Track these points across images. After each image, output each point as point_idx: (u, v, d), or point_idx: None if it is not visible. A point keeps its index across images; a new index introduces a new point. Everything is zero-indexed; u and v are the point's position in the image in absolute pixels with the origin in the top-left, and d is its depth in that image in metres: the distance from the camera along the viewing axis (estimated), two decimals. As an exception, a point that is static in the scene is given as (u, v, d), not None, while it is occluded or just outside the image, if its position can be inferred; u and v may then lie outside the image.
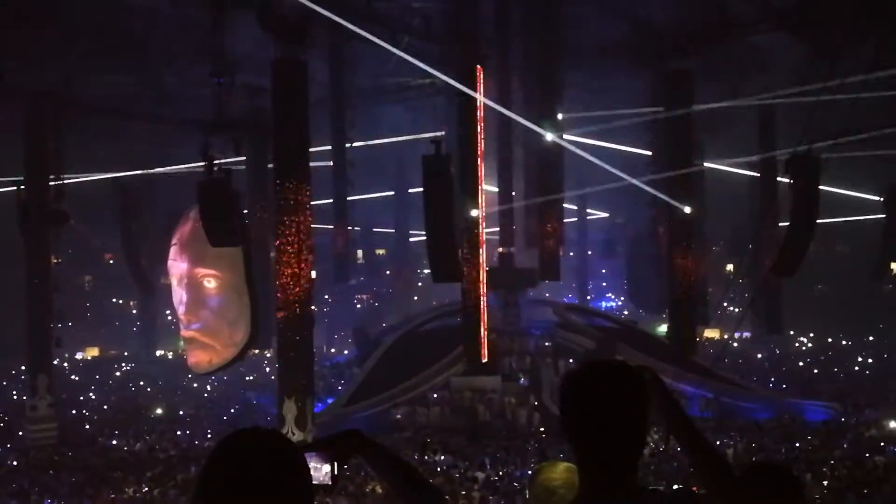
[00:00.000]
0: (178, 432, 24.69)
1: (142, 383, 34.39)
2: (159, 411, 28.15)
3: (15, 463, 21.34)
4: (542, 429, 23.84)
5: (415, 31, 22.89)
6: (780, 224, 26.40)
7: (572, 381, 2.07)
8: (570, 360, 27.03)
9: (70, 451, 22.69)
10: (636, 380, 2.08)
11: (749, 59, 26.35)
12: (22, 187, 24.80)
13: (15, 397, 29.89)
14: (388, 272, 48.85)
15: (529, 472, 3.25)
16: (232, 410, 28.56)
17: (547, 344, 29.67)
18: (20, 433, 24.61)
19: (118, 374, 38.22)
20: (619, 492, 2.01)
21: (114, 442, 23.51)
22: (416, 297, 47.28)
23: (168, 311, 36.09)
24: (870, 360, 34.56)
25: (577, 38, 25.11)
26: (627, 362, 2.21)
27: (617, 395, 2.02)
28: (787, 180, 23.92)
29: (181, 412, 28.09)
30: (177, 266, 23.05)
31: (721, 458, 2.29)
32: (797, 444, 20.50)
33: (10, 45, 22.07)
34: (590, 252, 49.29)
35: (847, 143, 25.04)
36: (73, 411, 28.10)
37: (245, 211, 21.83)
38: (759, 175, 30.29)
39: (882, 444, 20.59)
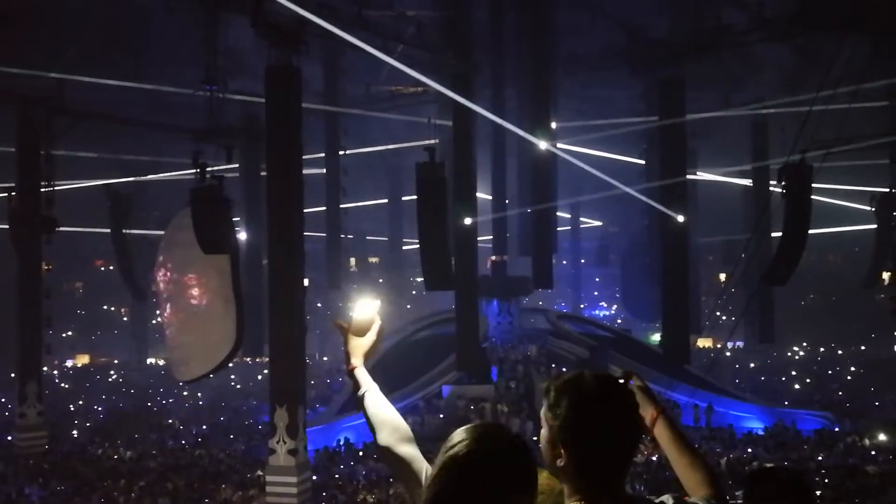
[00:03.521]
0: (169, 441, 24.54)
1: (132, 391, 34.19)
2: (150, 419, 27.96)
3: (3, 471, 21.13)
4: (535, 438, 23.78)
5: (408, 39, 22.89)
6: (773, 233, 26.44)
7: (559, 390, 2.03)
8: (564, 369, 26.99)
9: (59, 459, 22.50)
10: (622, 389, 2.08)
11: (741, 68, 26.46)
12: (13, 193, 24.69)
13: (4, 404, 29.67)
14: (380, 280, 48.76)
15: None
16: (222, 418, 28.43)
17: (540, 352, 29.61)
18: (9, 440, 24.38)
19: (109, 381, 37.98)
20: (605, 500, 1.99)
21: (103, 451, 23.32)
22: (408, 306, 47.17)
23: (159, 319, 35.94)
24: (862, 370, 34.63)
25: (571, 46, 25.19)
26: (613, 373, 2.22)
27: (604, 405, 2.00)
28: (779, 189, 23.98)
29: (172, 420, 27.92)
30: (164, 273, 22.97)
31: (707, 464, 2.28)
32: (790, 454, 20.49)
33: (1, 49, 21.96)
34: (583, 260, 49.34)
35: (839, 153, 25.10)
36: (63, 419, 27.88)
37: (237, 218, 21.76)
38: (751, 184, 30.36)
39: (874, 453, 20.64)
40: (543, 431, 2.05)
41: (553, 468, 2.05)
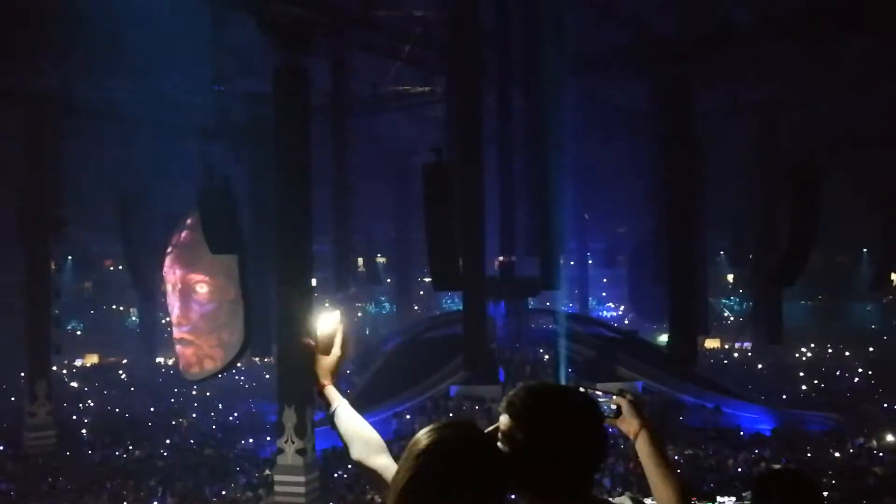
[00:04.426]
0: (178, 440, 24.60)
1: (141, 390, 34.29)
2: (159, 418, 28.05)
3: (13, 470, 21.26)
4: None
5: (415, 39, 22.92)
6: (782, 233, 26.39)
7: (525, 406, 2.09)
8: (570, 370, 26.97)
9: (68, 458, 22.61)
10: (589, 402, 2.16)
11: (750, 67, 26.38)
12: (21, 192, 24.83)
13: (14, 403, 29.79)
14: (388, 280, 48.77)
15: None
16: (230, 418, 28.50)
17: (547, 353, 29.58)
18: (19, 440, 24.51)
19: (117, 380, 38.12)
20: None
21: (112, 450, 23.42)
22: (416, 307, 47.22)
23: (167, 319, 36.02)
24: (870, 372, 34.48)
25: (578, 45, 25.13)
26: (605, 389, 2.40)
27: (574, 423, 2.06)
28: (788, 189, 23.93)
29: (180, 420, 28.01)
30: (171, 273, 23.06)
31: (679, 482, 2.39)
32: (797, 455, 20.44)
33: (9, 49, 22.08)
34: (591, 261, 49.24)
35: (849, 152, 25.06)
36: (73, 418, 28.01)
37: (243, 218, 21.81)
38: (760, 184, 30.29)
39: (881, 454, 20.56)
40: (503, 446, 2.06)
41: (515, 484, 2.06)
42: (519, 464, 2.03)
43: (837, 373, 35.11)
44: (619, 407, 2.39)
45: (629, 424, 2.38)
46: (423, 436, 1.95)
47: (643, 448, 2.38)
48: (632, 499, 2.32)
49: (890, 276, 29.94)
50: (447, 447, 1.90)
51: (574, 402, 2.12)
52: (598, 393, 2.40)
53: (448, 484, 1.85)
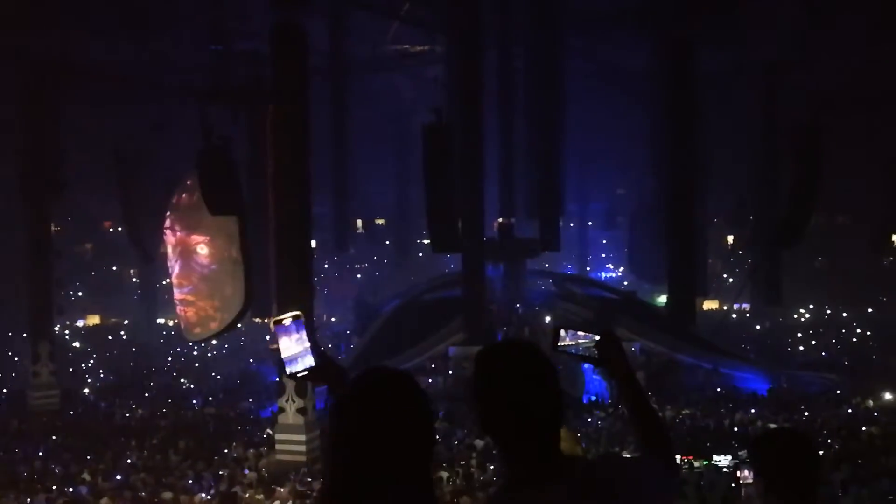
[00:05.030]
0: (179, 399, 24.82)
1: (142, 351, 34.52)
2: (161, 379, 28.28)
3: (18, 428, 21.48)
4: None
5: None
6: (782, 195, 26.33)
7: (486, 360, 2.12)
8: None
9: (72, 417, 22.86)
10: (544, 361, 2.12)
11: (753, 27, 26.11)
12: (21, 154, 24.71)
13: (18, 364, 30.04)
14: (387, 242, 48.83)
15: None
16: (231, 377, 28.73)
17: (547, 318, 29.72)
18: (23, 399, 24.73)
19: (119, 341, 38.37)
20: (543, 464, 2.05)
21: (116, 409, 23.65)
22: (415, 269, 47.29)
23: (168, 280, 36.07)
24: (868, 332, 34.68)
25: (581, 3, 24.85)
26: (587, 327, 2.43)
27: (530, 379, 2.06)
28: (789, 150, 23.82)
29: (182, 380, 28.24)
30: (172, 234, 23.07)
31: (662, 426, 2.40)
32: (794, 415, 20.62)
33: (8, 11, 21.82)
34: (590, 223, 49.21)
35: (851, 113, 24.87)
36: (75, 378, 28.23)
37: (243, 180, 21.71)
38: (761, 145, 30.15)
39: (877, 414, 20.74)
40: (471, 398, 2.09)
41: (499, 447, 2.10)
42: (482, 415, 2.08)
43: (835, 334, 35.32)
44: (599, 352, 2.40)
45: (615, 367, 2.39)
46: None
47: (626, 391, 2.39)
48: (605, 454, 2.32)
49: (890, 237, 29.87)
50: (363, 396, 1.98)
51: (529, 364, 2.08)
52: (579, 334, 2.39)
53: (363, 433, 1.92)
